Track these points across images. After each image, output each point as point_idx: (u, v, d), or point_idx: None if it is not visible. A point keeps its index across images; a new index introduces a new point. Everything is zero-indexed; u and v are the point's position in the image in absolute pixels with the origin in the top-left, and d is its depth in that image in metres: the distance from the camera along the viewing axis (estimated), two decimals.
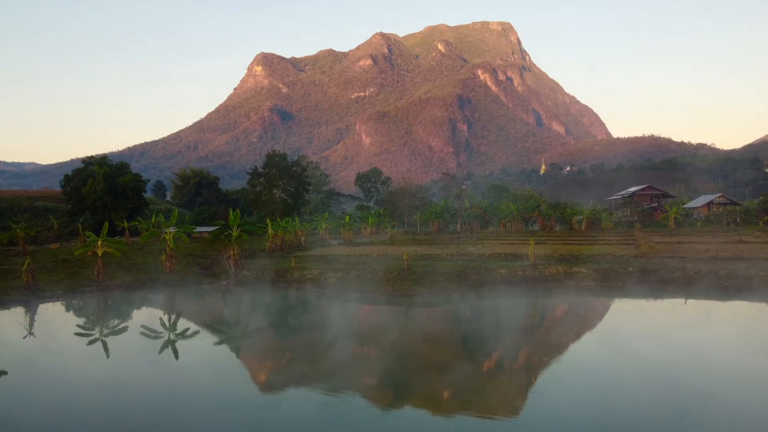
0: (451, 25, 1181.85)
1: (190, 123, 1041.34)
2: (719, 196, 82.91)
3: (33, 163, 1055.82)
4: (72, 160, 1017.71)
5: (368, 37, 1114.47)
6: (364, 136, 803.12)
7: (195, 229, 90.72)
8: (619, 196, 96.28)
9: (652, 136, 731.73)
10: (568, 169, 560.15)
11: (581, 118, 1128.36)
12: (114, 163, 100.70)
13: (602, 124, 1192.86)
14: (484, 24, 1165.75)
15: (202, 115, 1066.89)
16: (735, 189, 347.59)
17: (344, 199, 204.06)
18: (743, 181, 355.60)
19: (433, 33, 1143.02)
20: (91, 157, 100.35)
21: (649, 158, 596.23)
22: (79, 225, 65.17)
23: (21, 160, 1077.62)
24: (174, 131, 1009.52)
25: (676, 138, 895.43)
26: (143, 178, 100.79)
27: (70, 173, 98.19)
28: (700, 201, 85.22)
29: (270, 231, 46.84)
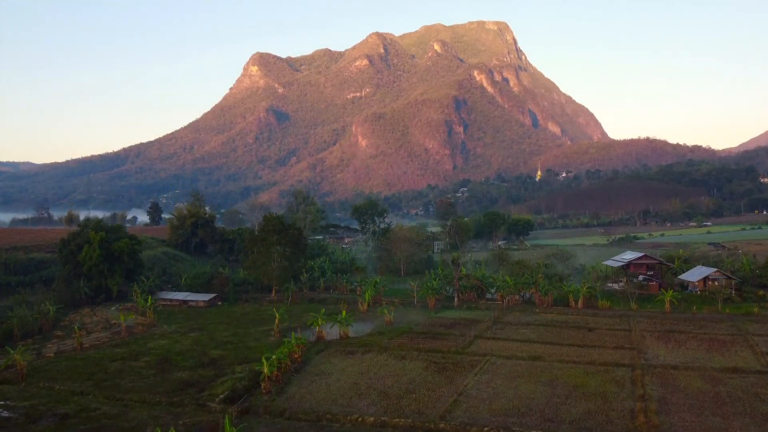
0: (447, 24, 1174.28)
1: (185, 123, 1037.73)
2: (715, 272, 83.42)
3: (28, 163, 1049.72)
4: (67, 161, 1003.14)
5: (364, 37, 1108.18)
6: (360, 138, 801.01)
7: (189, 303, 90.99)
8: (614, 262, 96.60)
9: (648, 138, 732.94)
10: (564, 175, 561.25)
11: (577, 117, 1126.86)
12: (109, 225, 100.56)
13: (598, 124, 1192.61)
14: (480, 23, 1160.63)
15: (198, 115, 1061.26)
16: (730, 201, 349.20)
17: (341, 231, 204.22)
18: (738, 194, 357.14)
19: (429, 33, 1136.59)
20: (87, 219, 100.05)
21: (644, 163, 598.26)
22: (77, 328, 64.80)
23: (16, 160, 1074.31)
24: (169, 131, 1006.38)
25: (672, 140, 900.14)
26: (136, 242, 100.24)
27: (66, 237, 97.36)
28: (695, 274, 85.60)
29: (266, 371, 46.70)
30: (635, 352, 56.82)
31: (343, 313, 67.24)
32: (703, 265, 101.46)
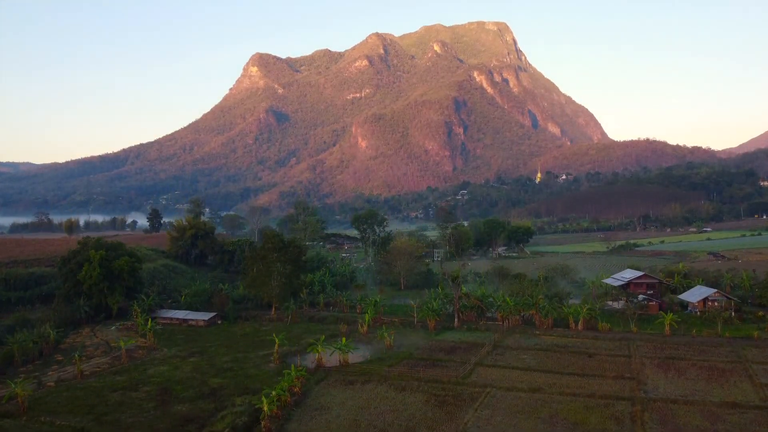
0: (447, 25, 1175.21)
1: (185, 124, 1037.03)
2: (715, 293, 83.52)
3: (28, 163, 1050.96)
4: (67, 162, 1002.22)
5: (364, 38, 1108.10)
6: (360, 139, 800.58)
7: (189, 321, 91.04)
8: (614, 281, 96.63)
9: (648, 139, 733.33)
10: (564, 177, 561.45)
11: (576, 118, 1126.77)
12: (109, 242, 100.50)
13: (598, 124, 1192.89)
14: (480, 24, 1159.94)
15: (198, 116, 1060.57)
16: (730, 205, 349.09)
17: (341, 239, 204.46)
18: (738, 197, 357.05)
19: (428, 33, 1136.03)
20: (88, 237, 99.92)
21: (644, 165, 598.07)
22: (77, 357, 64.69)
23: (16, 160, 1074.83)
24: (169, 132, 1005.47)
25: (671, 140, 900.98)
26: (135, 260, 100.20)
27: (66, 255, 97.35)
28: (695, 295, 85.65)
29: (265, 408, 46.72)
30: (635, 383, 56.87)
31: (343, 339, 67.29)
32: (703, 280, 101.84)
